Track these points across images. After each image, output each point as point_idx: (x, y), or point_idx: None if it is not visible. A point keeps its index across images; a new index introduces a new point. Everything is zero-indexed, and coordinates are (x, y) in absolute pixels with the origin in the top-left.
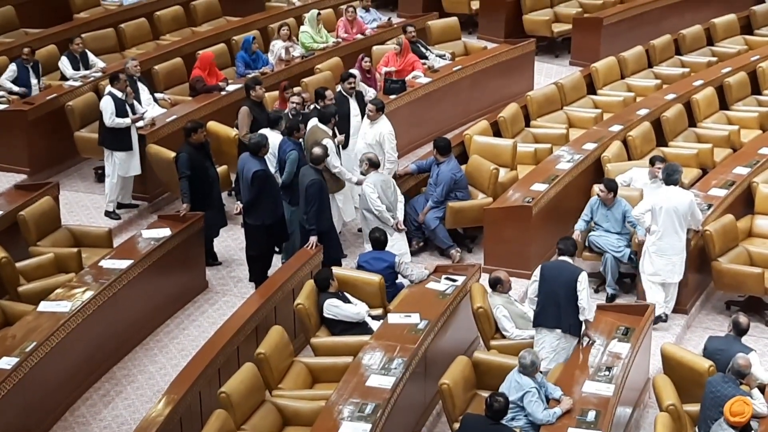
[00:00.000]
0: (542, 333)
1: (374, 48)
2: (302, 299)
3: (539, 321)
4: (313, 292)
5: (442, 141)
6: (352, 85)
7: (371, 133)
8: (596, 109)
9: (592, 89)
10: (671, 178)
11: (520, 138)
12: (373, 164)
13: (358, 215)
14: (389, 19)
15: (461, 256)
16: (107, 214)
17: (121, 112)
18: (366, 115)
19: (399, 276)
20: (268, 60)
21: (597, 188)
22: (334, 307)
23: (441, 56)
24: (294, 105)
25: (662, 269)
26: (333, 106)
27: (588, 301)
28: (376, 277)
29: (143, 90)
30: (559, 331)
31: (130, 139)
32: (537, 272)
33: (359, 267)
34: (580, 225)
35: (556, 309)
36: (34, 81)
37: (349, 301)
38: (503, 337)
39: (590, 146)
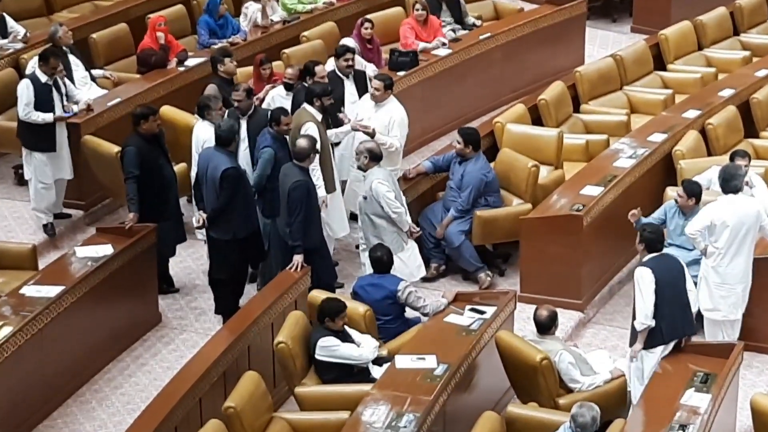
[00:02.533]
0: (651, 355)
1: (382, 13)
2: (284, 336)
3: (666, 337)
4: (300, 326)
5: (472, 132)
6: (350, 63)
7: (379, 119)
8: (666, 89)
9: (660, 63)
10: (730, 184)
11: (567, 127)
12: (375, 157)
13: (361, 227)
14: None
15: (492, 281)
16: (45, 228)
17: (43, 104)
18: (371, 96)
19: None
20: (240, 26)
21: (673, 192)
22: (328, 348)
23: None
24: (289, 82)
25: (722, 303)
26: (320, 84)
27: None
28: (361, 308)
29: (77, 66)
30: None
31: (53, 138)
32: (646, 276)
33: (354, 294)
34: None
35: (682, 312)
36: None
37: (350, 339)
38: (568, 390)
39: (658, 137)
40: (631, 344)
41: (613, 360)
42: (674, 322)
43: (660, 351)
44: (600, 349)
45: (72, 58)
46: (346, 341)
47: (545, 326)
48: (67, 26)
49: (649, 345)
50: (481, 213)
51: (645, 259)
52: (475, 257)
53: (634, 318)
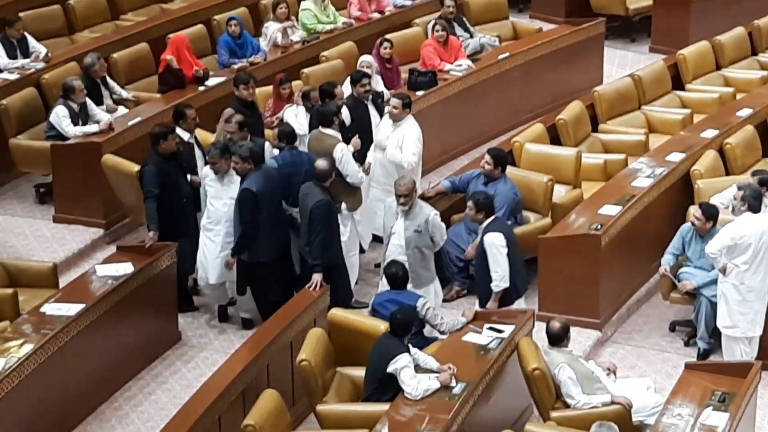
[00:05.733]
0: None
1: (401, 33)
2: (307, 354)
3: (522, 290)
4: (322, 343)
5: (502, 154)
6: (367, 88)
7: (395, 137)
8: (684, 108)
9: (679, 83)
10: (754, 203)
11: (586, 146)
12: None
13: (391, 248)
14: None
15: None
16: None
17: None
18: (389, 115)
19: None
20: (260, 46)
21: (693, 212)
22: (401, 367)
23: (486, 40)
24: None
25: (742, 320)
26: (334, 103)
27: None
28: (382, 325)
29: (106, 97)
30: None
31: None
32: (499, 241)
33: (373, 311)
34: (667, 260)
35: (523, 266)
36: None
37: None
38: (566, 405)
39: (677, 157)
40: (483, 305)
41: (651, 389)
42: (524, 276)
43: (521, 302)
44: (643, 378)
45: (104, 90)
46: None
47: (556, 338)
48: (88, 45)
49: (507, 302)
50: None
51: (486, 224)
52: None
53: (485, 282)
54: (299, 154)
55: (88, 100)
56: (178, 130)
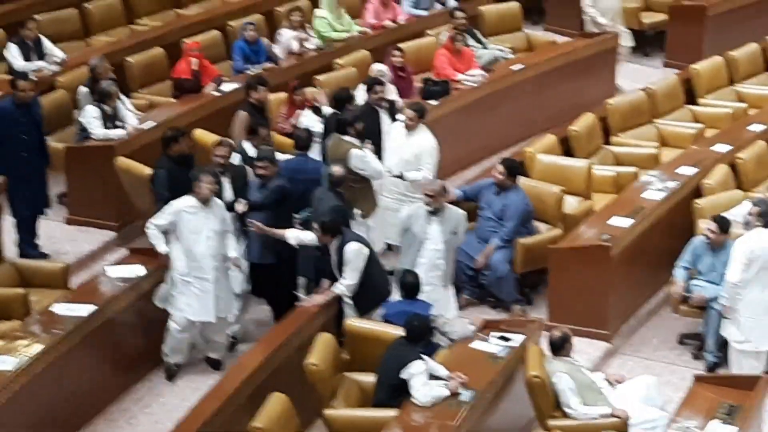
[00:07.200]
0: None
1: (414, 42)
2: (315, 358)
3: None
4: (330, 348)
5: (515, 164)
6: (381, 95)
7: (409, 147)
8: (697, 123)
9: (691, 97)
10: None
11: (597, 158)
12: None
13: (427, 253)
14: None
15: (526, 312)
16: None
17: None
18: (403, 124)
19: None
20: (274, 52)
21: (705, 226)
22: (414, 374)
23: (499, 52)
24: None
25: (752, 334)
26: (351, 111)
27: None
28: (400, 333)
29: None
30: None
31: None
32: (363, 252)
33: (386, 322)
34: (679, 274)
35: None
36: None
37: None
38: (564, 414)
39: (688, 171)
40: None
41: (652, 387)
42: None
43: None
44: (643, 377)
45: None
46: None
47: (556, 346)
48: (103, 49)
49: (365, 310)
50: (523, 241)
51: (346, 236)
52: (517, 288)
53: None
54: (306, 161)
55: (119, 105)
56: (246, 145)
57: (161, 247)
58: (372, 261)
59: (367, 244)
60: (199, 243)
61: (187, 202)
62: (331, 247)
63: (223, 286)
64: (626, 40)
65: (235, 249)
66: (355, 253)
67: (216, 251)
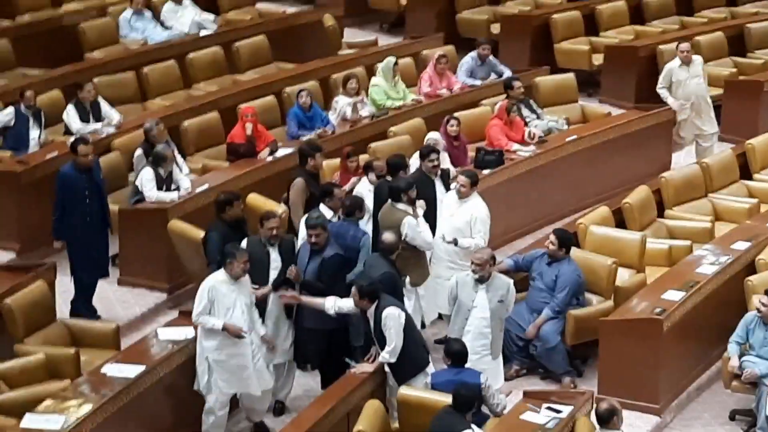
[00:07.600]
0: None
1: (468, 111)
2: (364, 425)
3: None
4: (379, 415)
5: (568, 235)
6: (435, 163)
7: (462, 215)
8: (751, 198)
9: (747, 172)
10: None
11: (651, 231)
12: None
13: (474, 322)
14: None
15: (576, 384)
16: None
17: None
18: (456, 192)
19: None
20: (328, 119)
21: (758, 301)
22: None
23: (554, 123)
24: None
25: None
26: (404, 179)
27: None
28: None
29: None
30: None
31: None
32: (401, 316)
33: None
34: (732, 349)
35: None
36: (33, 133)
37: None
38: None
39: (742, 246)
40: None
41: None
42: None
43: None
44: None
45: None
46: None
47: (603, 419)
48: (159, 113)
49: (402, 379)
50: (575, 312)
51: (383, 301)
52: (567, 359)
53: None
54: (348, 227)
55: (175, 168)
56: (323, 208)
57: (218, 323)
58: (408, 328)
59: (404, 310)
60: (234, 318)
61: (218, 277)
62: (369, 312)
63: (259, 357)
64: (708, 126)
65: (261, 325)
66: (392, 318)
67: (250, 325)
